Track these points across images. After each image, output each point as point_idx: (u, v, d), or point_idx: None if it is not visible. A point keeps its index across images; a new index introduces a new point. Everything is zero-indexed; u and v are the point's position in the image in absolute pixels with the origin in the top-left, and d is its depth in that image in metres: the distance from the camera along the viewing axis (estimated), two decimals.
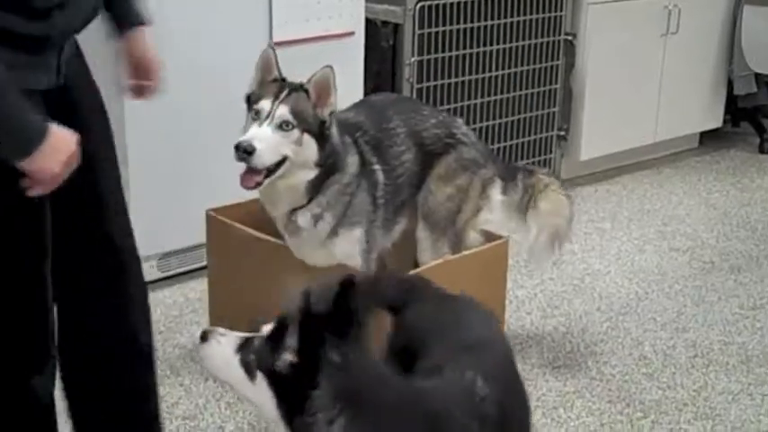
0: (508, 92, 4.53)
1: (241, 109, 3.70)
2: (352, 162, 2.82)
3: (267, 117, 2.62)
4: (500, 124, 4.55)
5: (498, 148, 4.57)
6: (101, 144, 2.10)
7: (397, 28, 4.16)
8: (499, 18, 4.38)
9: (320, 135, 2.68)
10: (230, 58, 3.52)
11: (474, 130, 4.42)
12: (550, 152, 4.79)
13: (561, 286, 3.80)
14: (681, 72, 5.11)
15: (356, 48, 3.88)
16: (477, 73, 4.38)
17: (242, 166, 2.63)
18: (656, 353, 3.31)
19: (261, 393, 1.64)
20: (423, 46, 4.16)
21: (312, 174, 2.71)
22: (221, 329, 1.76)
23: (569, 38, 4.67)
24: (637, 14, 4.83)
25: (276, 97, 2.64)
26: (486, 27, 4.35)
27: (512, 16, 4.42)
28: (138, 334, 2.24)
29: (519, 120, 4.62)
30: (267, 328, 1.69)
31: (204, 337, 1.74)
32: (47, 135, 1.78)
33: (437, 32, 4.19)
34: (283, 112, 2.62)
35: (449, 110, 4.32)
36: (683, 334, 3.44)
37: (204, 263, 3.41)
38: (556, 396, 3.01)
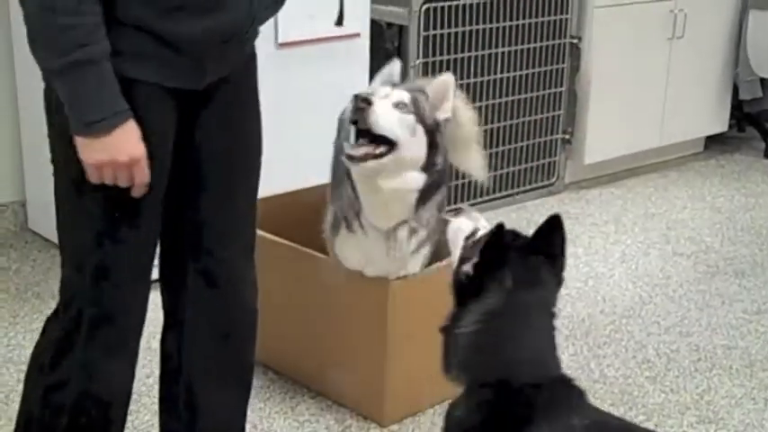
0: (513, 95, 4.53)
1: None
2: (447, 184, 2.78)
3: (385, 97, 2.50)
4: (504, 127, 4.55)
5: (502, 151, 4.57)
6: (237, 143, 2.13)
7: (402, 30, 4.16)
8: (504, 21, 4.38)
9: (432, 138, 2.56)
10: None
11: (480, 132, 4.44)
12: (555, 155, 4.78)
13: (564, 289, 3.73)
14: (686, 76, 5.11)
15: (361, 49, 3.88)
16: (481, 75, 4.38)
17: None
18: (660, 356, 3.31)
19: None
20: (428, 48, 4.16)
21: (417, 181, 2.56)
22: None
23: (575, 41, 4.66)
24: (642, 18, 4.83)
25: (394, 86, 2.58)
26: (491, 29, 4.35)
27: (517, 19, 4.42)
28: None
29: (523, 123, 4.62)
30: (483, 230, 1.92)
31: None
32: (116, 122, 1.81)
33: (442, 34, 4.19)
34: (402, 94, 2.51)
35: None
36: (687, 338, 3.44)
37: None
38: None
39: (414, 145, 2.53)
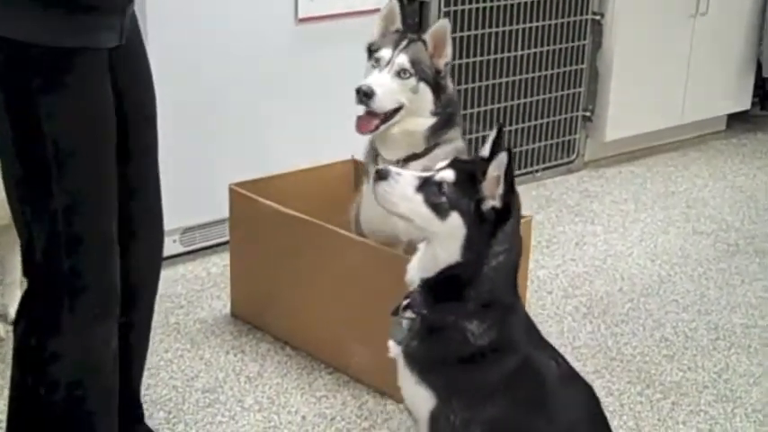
0: (533, 71, 4.51)
1: (267, 84, 3.72)
2: (461, 124, 2.91)
3: (387, 65, 2.73)
4: (525, 104, 4.53)
5: (522, 128, 4.56)
6: (147, 93, 2.23)
7: (422, 5, 4.14)
8: None
9: (436, 84, 2.75)
10: (256, 35, 3.52)
11: (498, 109, 4.43)
12: (575, 133, 4.76)
13: (583, 267, 3.79)
14: (709, 53, 5.06)
15: None
16: (502, 52, 4.36)
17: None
18: (678, 335, 3.30)
19: (450, 229, 1.91)
20: None
21: (429, 122, 2.77)
22: (396, 168, 2.02)
23: (597, 17, 4.63)
24: None
25: (396, 46, 2.74)
26: (513, 5, 4.32)
27: None
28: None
29: (544, 100, 4.59)
30: (444, 173, 1.93)
31: (384, 175, 1.95)
32: None
33: (463, 10, 4.17)
34: (402, 60, 2.72)
35: (473, 89, 4.31)
36: (706, 316, 3.43)
37: (227, 238, 3.42)
38: None
39: (418, 100, 2.74)
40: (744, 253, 3.95)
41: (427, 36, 2.75)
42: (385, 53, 2.73)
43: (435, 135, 2.78)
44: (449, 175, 1.93)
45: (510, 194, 1.91)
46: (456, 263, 1.92)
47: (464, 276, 1.93)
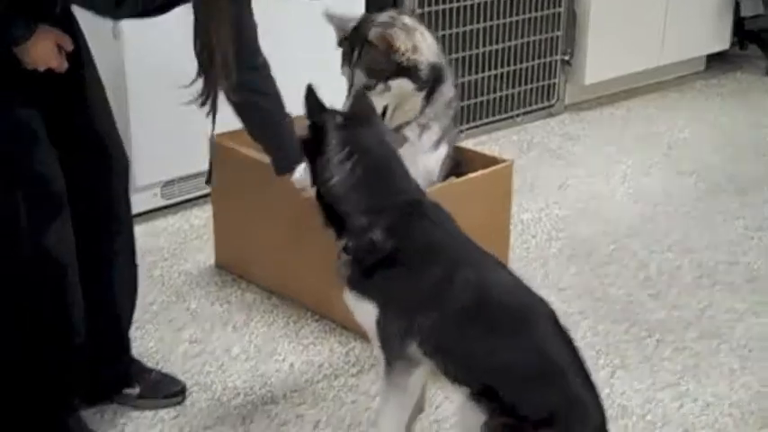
0: (511, 16, 4.48)
1: None
2: (452, 77, 2.92)
3: (351, 87, 2.77)
4: (503, 48, 4.50)
5: (501, 74, 4.54)
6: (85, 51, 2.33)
7: None
8: None
9: (405, 71, 2.76)
10: None
11: (476, 54, 4.41)
12: (554, 77, 4.74)
13: (566, 210, 3.79)
14: None
15: None
16: None
17: None
18: (662, 274, 3.31)
19: (304, 172, 2.22)
20: None
21: (419, 97, 2.81)
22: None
23: None
24: None
25: (349, 63, 2.77)
26: None
27: None
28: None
29: (522, 44, 4.57)
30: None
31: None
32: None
33: None
34: (359, 79, 2.75)
35: (451, 35, 4.28)
36: (689, 255, 3.44)
37: (208, 190, 3.39)
38: (561, 318, 3.00)
39: (398, 93, 2.78)
40: (725, 191, 3.97)
41: (373, 39, 2.73)
42: (345, 71, 2.78)
43: (426, 99, 2.84)
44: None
45: (315, 123, 2.14)
46: (323, 199, 2.17)
47: (327, 197, 2.15)
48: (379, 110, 2.69)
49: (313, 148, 2.15)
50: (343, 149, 2.11)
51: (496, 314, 2.08)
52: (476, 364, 2.06)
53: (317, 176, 2.15)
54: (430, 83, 2.81)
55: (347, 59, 2.78)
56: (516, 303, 2.12)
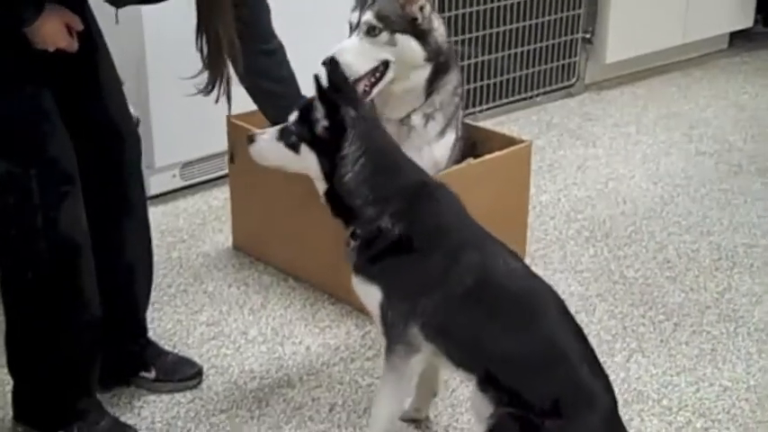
0: None
1: None
2: (458, 65, 2.88)
3: (356, 27, 2.68)
4: (524, 27, 4.47)
5: (522, 52, 4.51)
6: (97, 35, 2.33)
7: None
8: None
9: (417, 32, 2.70)
10: None
11: (497, 33, 4.38)
12: (575, 55, 4.71)
13: (585, 191, 3.78)
14: None
15: None
16: None
17: None
18: (680, 256, 3.30)
19: (306, 159, 2.18)
20: None
21: (426, 72, 2.75)
22: (259, 131, 2.30)
23: None
24: None
25: (362, 6, 2.69)
26: None
27: None
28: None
29: (543, 22, 4.54)
30: (292, 117, 2.20)
31: (252, 139, 2.28)
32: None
33: None
34: (367, 18, 2.66)
35: (470, 13, 4.26)
36: (708, 237, 3.42)
37: (226, 171, 3.40)
38: (578, 300, 3.01)
39: (402, 52, 2.69)
40: (746, 173, 3.94)
41: None
42: (353, 16, 2.70)
43: (433, 84, 2.78)
44: (293, 116, 2.20)
45: (336, 112, 2.12)
46: (330, 186, 2.18)
47: (341, 192, 2.16)
48: (373, 64, 2.67)
49: (330, 143, 2.15)
50: (360, 146, 2.13)
51: (500, 298, 2.08)
52: (478, 348, 2.07)
53: (333, 172, 2.15)
54: (439, 64, 2.75)
55: (360, 4, 2.70)
56: (520, 288, 2.12)
